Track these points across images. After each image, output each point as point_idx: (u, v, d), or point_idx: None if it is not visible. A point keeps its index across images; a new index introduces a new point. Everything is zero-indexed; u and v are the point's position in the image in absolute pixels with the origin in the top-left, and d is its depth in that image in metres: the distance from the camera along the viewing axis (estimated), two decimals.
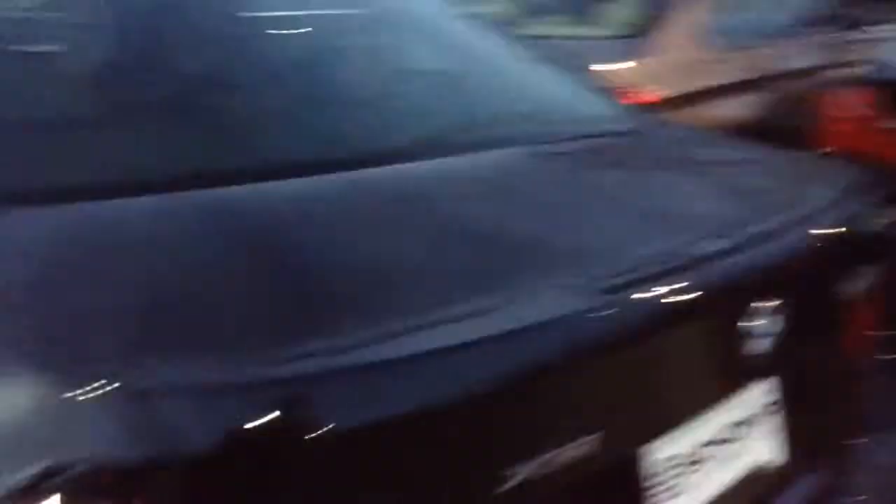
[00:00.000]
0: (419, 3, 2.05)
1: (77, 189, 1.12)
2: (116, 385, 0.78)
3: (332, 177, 1.26)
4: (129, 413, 0.77)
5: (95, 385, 0.78)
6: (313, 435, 0.80)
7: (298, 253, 1.06)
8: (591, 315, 1.02)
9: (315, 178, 1.24)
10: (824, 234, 1.36)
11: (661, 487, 1.17)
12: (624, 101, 3.19)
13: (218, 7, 1.78)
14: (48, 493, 0.75)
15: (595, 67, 3.51)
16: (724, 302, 1.17)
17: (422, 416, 0.88)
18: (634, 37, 3.86)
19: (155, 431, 0.77)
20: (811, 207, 1.44)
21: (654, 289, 1.08)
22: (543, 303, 1.01)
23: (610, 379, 1.09)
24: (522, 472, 0.94)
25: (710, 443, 1.25)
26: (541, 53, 2.06)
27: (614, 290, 1.07)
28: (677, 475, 1.19)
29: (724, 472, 1.27)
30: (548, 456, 0.96)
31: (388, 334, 0.90)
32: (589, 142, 1.62)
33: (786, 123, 3.44)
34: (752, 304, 1.18)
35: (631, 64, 3.62)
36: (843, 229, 1.40)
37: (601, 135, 1.67)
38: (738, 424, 1.29)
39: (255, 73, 1.56)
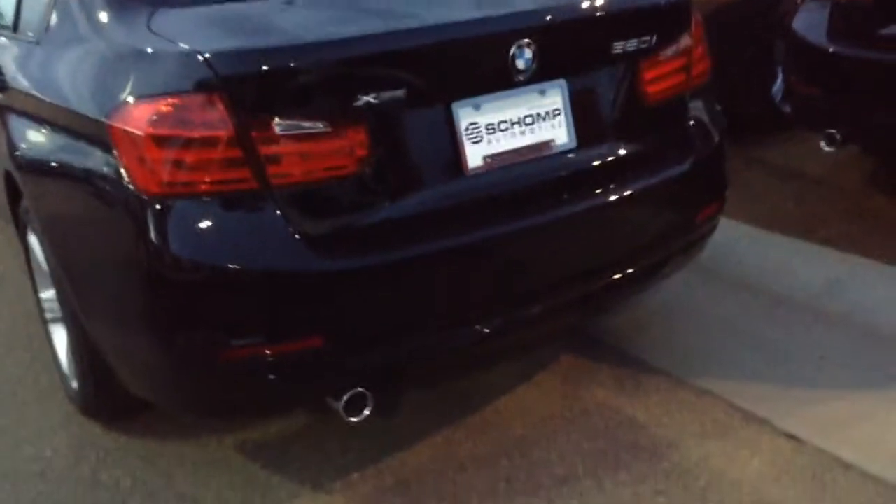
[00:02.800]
0: None
1: None
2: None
3: None
4: None
5: None
6: None
7: None
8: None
9: None
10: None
11: (466, 135, 2.08)
12: None
13: None
14: None
15: None
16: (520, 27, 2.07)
17: None
18: None
19: None
20: None
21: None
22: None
23: (426, 51, 2.03)
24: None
25: (505, 122, 2.13)
26: None
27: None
28: (478, 133, 2.10)
29: (515, 140, 2.15)
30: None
31: None
32: None
33: None
34: (537, 33, 2.07)
35: None
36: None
37: None
38: (532, 116, 2.17)
39: None
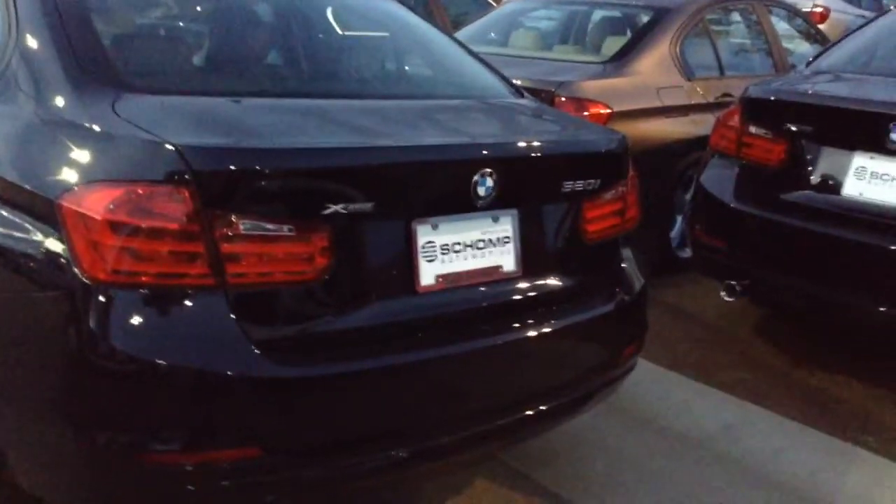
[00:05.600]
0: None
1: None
2: None
3: None
4: None
5: None
6: None
7: None
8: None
9: None
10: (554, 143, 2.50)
11: (422, 253, 2.11)
12: (581, 111, 4.28)
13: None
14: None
15: (571, 80, 4.60)
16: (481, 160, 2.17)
17: None
18: (619, 61, 4.91)
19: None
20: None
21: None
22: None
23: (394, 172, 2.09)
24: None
25: (459, 244, 2.19)
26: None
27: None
28: (433, 252, 2.14)
29: (467, 262, 2.20)
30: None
31: None
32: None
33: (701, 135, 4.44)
34: (498, 166, 2.16)
35: (601, 81, 4.69)
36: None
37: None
38: (484, 241, 2.23)
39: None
